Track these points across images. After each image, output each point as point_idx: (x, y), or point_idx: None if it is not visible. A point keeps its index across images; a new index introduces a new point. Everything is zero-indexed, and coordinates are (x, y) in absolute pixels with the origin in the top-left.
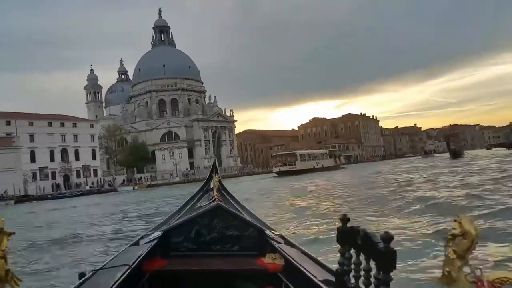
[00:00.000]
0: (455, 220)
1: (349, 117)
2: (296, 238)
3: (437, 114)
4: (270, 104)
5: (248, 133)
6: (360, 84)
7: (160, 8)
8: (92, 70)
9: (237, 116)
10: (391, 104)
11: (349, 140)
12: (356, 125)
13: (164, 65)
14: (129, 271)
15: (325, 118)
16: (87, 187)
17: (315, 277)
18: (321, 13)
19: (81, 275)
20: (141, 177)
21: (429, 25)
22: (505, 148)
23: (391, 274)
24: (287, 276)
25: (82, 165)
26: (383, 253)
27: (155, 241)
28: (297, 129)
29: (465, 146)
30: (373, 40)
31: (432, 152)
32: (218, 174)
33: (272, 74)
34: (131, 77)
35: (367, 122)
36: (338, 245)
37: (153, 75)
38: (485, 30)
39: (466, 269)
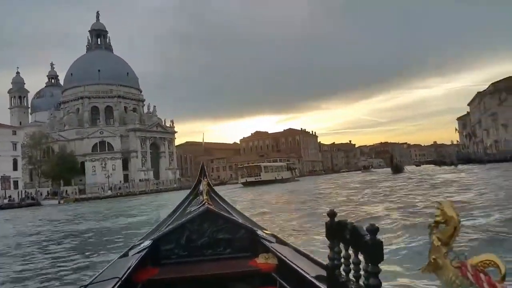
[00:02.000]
0: (437, 208)
1: (290, 132)
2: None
3: (370, 132)
4: (212, 117)
5: (188, 145)
6: (301, 101)
7: (98, 11)
8: (18, 72)
9: (177, 127)
10: (329, 121)
11: (290, 154)
12: (297, 140)
13: (99, 70)
14: (119, 283)
15: (267, 132)
16: (5, 200)
17: (308, 273)
18: (266, 30)
19: None
20: (66, 190)
21: (365, 49)
22: (434, 165)
23: (379, 265)
24: (281, 275)
25: (1, 176)
26: (370, 245)
27: (145, 251)
28: (239, 142)
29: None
30: (314, 60)
31: (370, 167)
32: (206, 177)
33: (215, 87)
34: (62, 82)
35: (307, 137)
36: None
37: (86, 80)
38: (414, 57)
39: (451, 255)
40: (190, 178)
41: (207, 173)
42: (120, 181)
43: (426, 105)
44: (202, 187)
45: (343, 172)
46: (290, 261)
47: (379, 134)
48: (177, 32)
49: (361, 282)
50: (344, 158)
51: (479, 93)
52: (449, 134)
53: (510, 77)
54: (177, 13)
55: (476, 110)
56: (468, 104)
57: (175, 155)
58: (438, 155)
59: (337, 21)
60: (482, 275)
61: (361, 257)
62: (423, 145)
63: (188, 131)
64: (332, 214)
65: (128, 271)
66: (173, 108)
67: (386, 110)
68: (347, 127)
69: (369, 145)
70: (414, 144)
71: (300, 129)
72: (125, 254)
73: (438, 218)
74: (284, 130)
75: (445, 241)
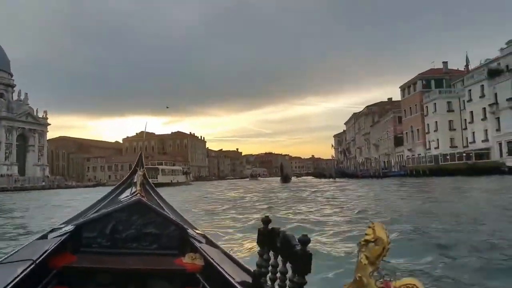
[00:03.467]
0: (369, 227)
1: (179, 135)
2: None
3: (255, 142)
4: (91, 112)
5: (62, 140)
6: (190, 105)
7: None
8: None
9: (51, 120)
10: (217, 128)
11: (177, 158)
12: (185, 144)
13: None
14: (32, 266)
15: (154, 133)
16: None
17: (233, 278)
18: (157, 30)
19: None
20: None
21: (250, 60)
22: (313, 177)
23: (306, 277)
24: (205, 277)
25: None
26: (299, 256)
27: (65, 236)
28: (121, 141)
29: (277, 172)
30: (205, 66)
31: (258, 176)
32: (143, 168)
33: (96, 80)
34: None
35: (195, 142)
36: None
37: None
38: (299, 74)
39: (377, 275)
40: (60, 178)
41: (144, 164)
42: None
43: (307, 121)
44: (137, 177)
45: (229, 179)
46: (217, 263)
47: (264, 144)
48: (58, 21)
49: None
50: (230, 165)
51: (355, 114)
52: (325, 149)
53: (382, 101)
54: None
55: (351, 129)
56: (345, 123)
57: (46, 150)
58: (315, 168)
59: (227, 29)
60: None
61: (289, 267)
62: (302, 157)
63: (64, 125)
64: (266, 221)
65: (44, 255)
66: (47, 99)
67: (271, 122)
68: (235, 135)
69: (255, 154)
70: (295, 156)
71: (189, 133)
72: (44, 237)
73: (368, 237)
74: (172, 132)
75: (372, 260)
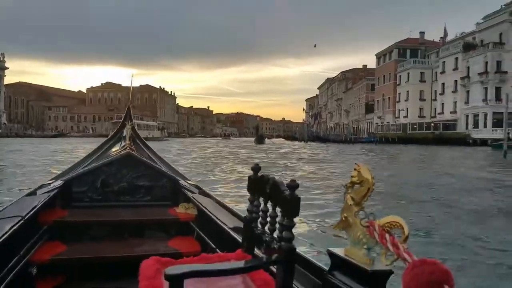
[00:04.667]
0: (355, 169)
1: (148, 89)
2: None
3: (226, 101)
4: (53, 59)
5: (21, 86)
6: (158, 57)
7: None
8: None
9: (10, 64)
10: (187, 84)
11: (144, 112)
12: (154, 98)
13: None
14: (21, 222)
15: (121, 85)
16: None
17: (225, 224)
18: None
19: None
20: None
21: (228, 14)
22: (285, 139)
23: (295, 220)
24: (198, 224)
25: None
26: (288, 200)
27: (54, 191)
28: (85, 91)
29: (247, 133)
30: (172, 18)
31: (231, 135)
32: (131, 122)
33: (60, 23)
34: None
35: (165, 97)
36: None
37: None
38: (282, 34)
39: (362, 214)
40: (19, 125)
41: (132, 118)
42: None
43: (281, 83)
44: (126, 131)
45: (199, 137)
46: (209, 211)
47: (235, 104)
48: None
49: (275, 235)
50: (200, 123)
51: (329, 79)
52: (296, 113)
53: (357, 68)
54: None
55: (324, 94)
56: (318, 88)
57: (2, 95)
58: (285, 130)
59: None
60: (387, 235)
61: (279, 211)
62: (273, 119)
63: (24, 71)
64: (256, 168)
65: (33, 211)
66: (8, 43)
67: (245, 81)
68: (207, 93)
69: (226, 114)
70: (266, 118)
71: (158, 87)
72: (33, 193)
73: (354, 179)
74: (140, 85)
75: (358, 201)
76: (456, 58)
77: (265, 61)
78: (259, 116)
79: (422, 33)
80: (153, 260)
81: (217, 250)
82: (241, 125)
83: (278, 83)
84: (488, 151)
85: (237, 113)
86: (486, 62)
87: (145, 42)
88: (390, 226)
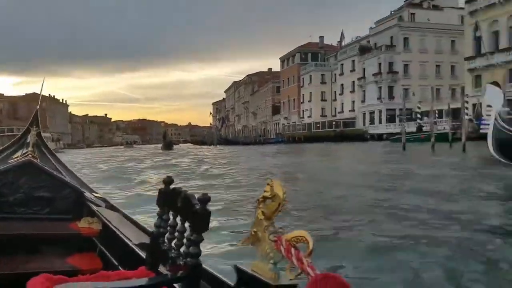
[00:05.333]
0: (268, 184)
1: (35, 97)
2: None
3: (126, 108)
4: None
5: None
6: (45, 63)
7: None
8: None
9: None
10: (80, 91)
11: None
12: (43, 107)
13: None
14: None
15: (3, 94)
16: None
17: (131, 240)
18: None
19: None
20: None
21: (129, 20)
22: (194, 144)
23: (204, 234)
24: (102, 240)
25: None
26: (198, 214)
27: None
28: None
29: (151, 140)
30: (59, 19)
31: (134, 143)
32: (37, 128)
33: None
34: None
35: (55, 105)
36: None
37: None
38: (177, 39)
39: (271, 229)
40: None
41: (40, 123)
42: None
43: (185, 87)
44: (30, 137)
45: (96, 147)
46: (115, 226)
47: (136, 110)
48: None
49: (182, 250)
50: (98, 132)
51: (235, 82)
52: (203, 117)
53: (262, 71)
54: None
55: (231, 97)
56: (225, 91)
57: None
58: (192, 135)
59: None
60: (293, 250)
61: (188, 226)
62: (179, 125)
63: None
64: (168, 181)
65: None
66: None
67: (145, 87)
68: (103, 100)
69: (126, 121)
70: (171, 123)
71: (48, 95)
72: None
73: (266, 194)
74: (26, 94)
75: (268, 215)
76: (353, 61)
77: (168, 66)
78: (163, 122)
79: (321, 37)
80: (42, 277)
81: (119, 267)
82: (144, 132)
83: (183, 88)
84: (387, 144)
85: (139, 120)
86: (380, 64)
87: (32, 48)
88: (296, 240)
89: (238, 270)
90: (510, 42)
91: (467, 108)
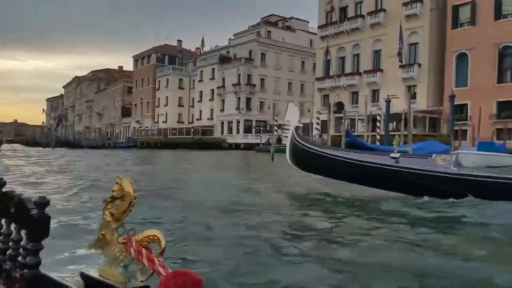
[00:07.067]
0: (116, 183)
1: None
2: None
3: None
4: None
5: None
6: None
7: None
8: None
9: None
10: None
11: None
12: None
13: None
14: None
15: None
16: None
17: None
18: None
19: None
20: None
21: None
22: (23, 145)
23: (43, 242)
24: None
25: None
26: (35, 220)
27: None
28: None
29: None
30: None
31: None
32: None
33: None
34: None
35: None
36: None
37: None
38: (15, 20)
39: (120, 231)
40: None
41: None
42: None
43: (10, 78)
44: None
45: None
46: None
47: None
48: None
49: (18, 261)
50: None
51: (77, 77)
52: (34, 114)
53: (110, 69)
54: None
55: (71, 94)
56: (64, 87)
57: None
58: (18, 134)
59: None
60: (144, 250)
61: (24, 233)
62: (2, 121)
63: None
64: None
65: None
66: None
67: None
68: None
69: None
70: None
71: None
72: None
73: (114, 193)
74: None
75: (118, 216)
76: (213, 69)
77: None
78: None
79: (180, 41)
80: None
81: None
82: None
83: (6, 78)
84: (252, 154)
85: None
86: (239, 75)
87: None
88: (148, 240)
89: (85, 277)
90: (353, 68)
91: (318, 123)
